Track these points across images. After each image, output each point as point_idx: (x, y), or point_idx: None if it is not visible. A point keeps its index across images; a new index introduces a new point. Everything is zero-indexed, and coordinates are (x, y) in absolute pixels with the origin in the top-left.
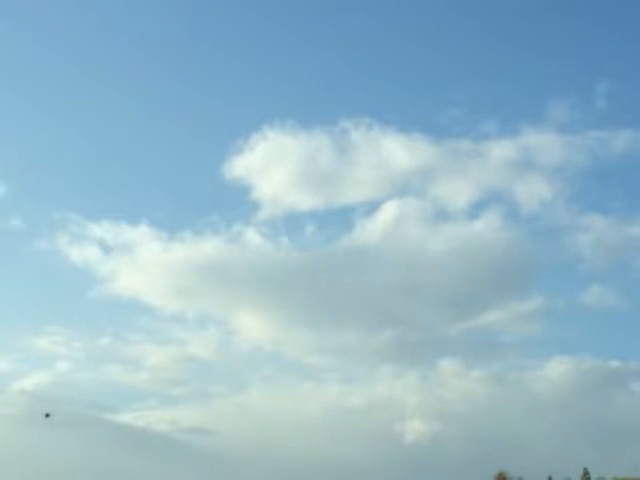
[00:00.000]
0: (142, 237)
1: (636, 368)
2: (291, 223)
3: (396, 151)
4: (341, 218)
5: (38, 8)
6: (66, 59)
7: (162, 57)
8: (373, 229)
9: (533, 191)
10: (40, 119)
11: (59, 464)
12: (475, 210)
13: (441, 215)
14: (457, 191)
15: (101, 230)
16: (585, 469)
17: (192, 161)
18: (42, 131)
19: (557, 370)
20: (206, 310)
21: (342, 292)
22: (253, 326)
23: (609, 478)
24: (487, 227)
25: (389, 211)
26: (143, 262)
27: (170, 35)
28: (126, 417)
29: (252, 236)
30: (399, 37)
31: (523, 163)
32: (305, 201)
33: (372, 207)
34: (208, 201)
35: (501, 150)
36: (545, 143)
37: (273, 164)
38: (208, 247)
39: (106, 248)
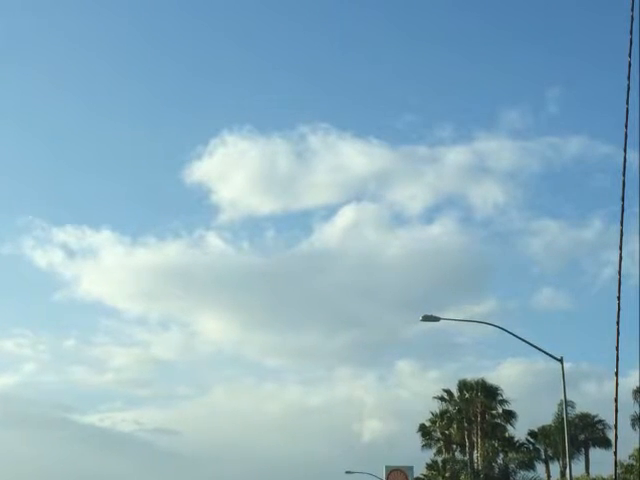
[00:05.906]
0: (105, 241)
1: (587, 369)
2: (251, 227)
3: (353, 156)
4: (300, 222)
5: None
6: (28, 67)
7: (124, 65)
8: (331, 233)
9: (487, 196)
10: (3, 126)
11: (24, 463)
12: (431, 214)
13: (397, 219)
14: (413, 196)
15: (64, 235)
16: None
17: (152, 167)
18: (5, 138)
19: (511, 371)
20: (169, 312)
21: (301, 295)
22: (215, 328)
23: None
24: (442, 231)
25: (347, 215)
26: (106, 266)
27: (133, 42)
28: (92, 418)
29: (213, 240)
30: (354, 45)
31: (477, 168)
32: (264, 205)
33: (330, 211)
34: (169, 206)
35: (456, 156)
36: (498, 149)
37: (232, 169)
38: (170, 251)
39: (70, 252)
